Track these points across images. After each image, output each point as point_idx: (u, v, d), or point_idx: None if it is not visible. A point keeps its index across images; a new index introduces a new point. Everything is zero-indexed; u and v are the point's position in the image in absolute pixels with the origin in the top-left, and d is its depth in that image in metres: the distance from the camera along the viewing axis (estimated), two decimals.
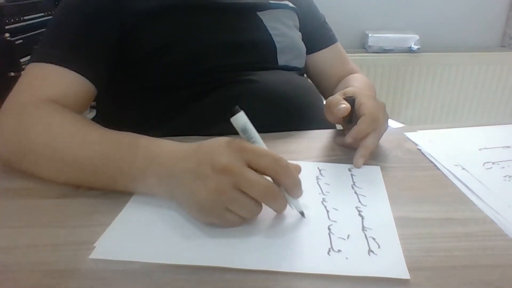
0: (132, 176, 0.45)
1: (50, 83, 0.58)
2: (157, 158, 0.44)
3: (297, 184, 0.41)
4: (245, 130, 0.41)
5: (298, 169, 0.43)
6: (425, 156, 0.57)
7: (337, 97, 0.59)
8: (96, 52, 0.63)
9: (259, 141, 0.42)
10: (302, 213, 0.43)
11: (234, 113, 0.40)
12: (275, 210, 0.42)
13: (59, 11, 0.65)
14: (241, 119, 0.41)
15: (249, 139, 0.41)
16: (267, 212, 0.44)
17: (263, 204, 0.40)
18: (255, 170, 0.39)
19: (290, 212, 0.43)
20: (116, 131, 0.49)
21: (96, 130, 0.50)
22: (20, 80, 0.58)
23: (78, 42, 0.62)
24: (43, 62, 0.58)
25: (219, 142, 0.41)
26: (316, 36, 0.88)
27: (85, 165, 0.47)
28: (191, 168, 0.41)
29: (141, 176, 0.45)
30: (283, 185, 0.40)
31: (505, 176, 0.52)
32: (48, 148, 0.49)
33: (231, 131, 0.47)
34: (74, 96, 0.59)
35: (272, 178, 0.40)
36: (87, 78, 0.60)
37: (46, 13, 1.51)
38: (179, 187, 0.42)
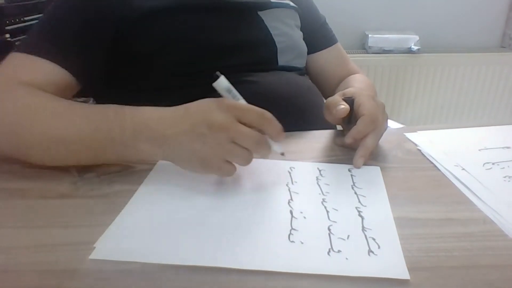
0: (123, 143, 0.47)
1: (27, 70, 0.57)
2: (146, 124, 0.47)
3: (280, 130, 0.46)
4: (229, 90, 0.46)
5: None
6: (425, 156, 0.57)
7: (336, 98, 0.59)
8: (85, 49, 0.63)
9: (241, 99, 0.47)
10: (282, 154, 0.50)
11: (215, 78, 0.45)
12: (262, 156, 0.47)
13: (53, 7, 0.65)
14: (224, 82, 0.46)
15: (234, 97, 0.47)
16: (266, 212, 0.44)
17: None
18: (244, 124, 0.44)
19: (293, 213, 0.44)
20: (99, 105, 0.52)
21: (79, 105, 0.51)
22: None
23: (68, 37, 0.61)
24: (26, 53, 0.58)
25: (207, 103, 0.45)
26: (317, 36, 0.88)
27: (73, 139, 0.48)
28: (186, 130, 0.45)
29: (132, 142, 0.47)
30: (268, 133, 0.46)
31: (505, 177, 0.52)
32: (31, 127, 0.49)
33: None
34: (50, 85, 0.58)
35: (259, 129, 0.45)
36: (68, 71, 0.60)
37: None
38: (176, 149, 0.46)
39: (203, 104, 0.46)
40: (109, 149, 0.48)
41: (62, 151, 0.49)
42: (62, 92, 0.60)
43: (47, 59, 0.58)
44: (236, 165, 0.46)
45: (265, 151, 0.47)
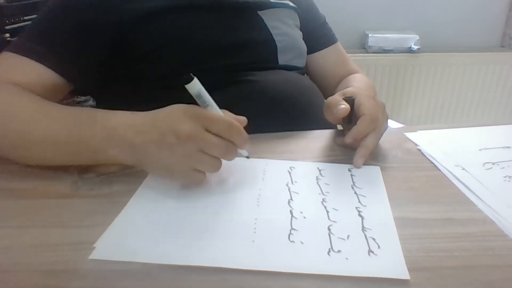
0: (94, 149, 0.48)
1: (17, 71, 0.58)
2: (116, 130, 0.47)
3: (247, 140, 0.47)
4: (199, 96, 0.45)
5: (244, 121, 0.48)
6: (425, 156, 0.57)
7: (336, 97, 0.59)
8: (78, 52, 0.63)
9: (212, 105, 0.46)
10: (247, 157, 0.51)
11: (188, 80, 0.43)
12: (228, 160, 0.47)
13: (48, 9, 0.65)
14: (195, 86, 0.44)
15: (203, 103, 0.45)
16: (266, 212, 0.44)
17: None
18: (211, 133, 0.44)
19: (293, 213, 0.44)
20: (75, 107, 0.52)
21: (57, 108, 0.52)
22: None
23: (60, 40, 0.62)
24: (18, 53, 0.59)
25: (175, 111, 0.45)
26: (317, 36, 0.88)
27: (48, 142, 0.49)
28: (154, 139, 0.44)
29: (103, 148, 0.47)
30: (236, 143, 0.46)
31: (505, 177, 0.52)
32: (8, 129, 0.50)
33: None
34: (39, 86, 0.58)
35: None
36: (58, 73, 0.60)
37: None
38: (145, 156, 0.46)
39: (172, 112, 0.45)
40: (82, 153, 0.49)
41: (39, 153, 0.50)
42: (51, 93, 0.60)
43: (37, 61, 0.59)
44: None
45: (232, 157, 0.47)
